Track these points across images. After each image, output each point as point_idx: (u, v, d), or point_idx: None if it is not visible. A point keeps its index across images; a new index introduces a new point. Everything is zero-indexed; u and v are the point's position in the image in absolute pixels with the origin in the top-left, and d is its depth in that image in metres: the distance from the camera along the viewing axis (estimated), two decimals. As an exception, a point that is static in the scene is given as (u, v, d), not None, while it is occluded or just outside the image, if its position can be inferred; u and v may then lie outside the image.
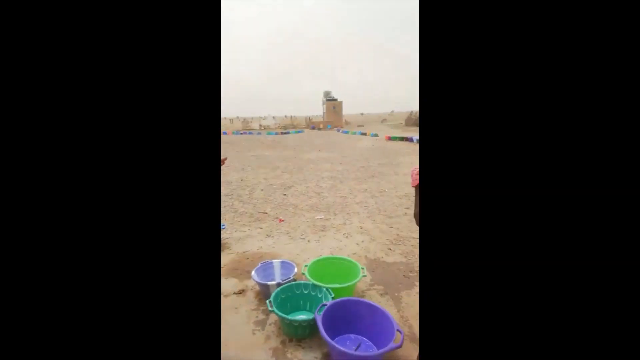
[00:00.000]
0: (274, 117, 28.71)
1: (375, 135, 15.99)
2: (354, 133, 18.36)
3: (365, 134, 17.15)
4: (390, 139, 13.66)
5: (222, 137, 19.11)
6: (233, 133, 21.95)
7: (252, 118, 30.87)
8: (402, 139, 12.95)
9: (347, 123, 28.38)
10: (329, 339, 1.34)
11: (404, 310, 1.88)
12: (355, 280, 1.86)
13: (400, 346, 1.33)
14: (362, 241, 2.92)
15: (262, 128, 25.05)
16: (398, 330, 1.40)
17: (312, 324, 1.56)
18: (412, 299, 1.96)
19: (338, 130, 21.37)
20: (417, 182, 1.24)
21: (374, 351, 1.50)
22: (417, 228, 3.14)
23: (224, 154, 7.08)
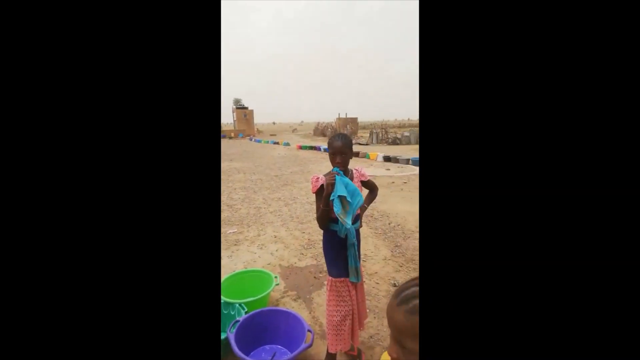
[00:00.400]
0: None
1: (288, 144, 16.33)
2: (267, 142, 18.31)
3: (277, 143, 17.31)
4: (301, 147, 14.21)
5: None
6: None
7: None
8: (312, 147, 13.65)
9: (259, 132, 28.04)
10: (242, 355, 1.33)
11: (315, 310, 2.00)
12: (268, 291, 1.88)
13: (310, 345, 1.43)
14: (277, 250, 2.96)
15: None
16: (309, 330, 1.50)
17: (225, 343, 1.51)
18: (321, 298, 2.11)
19: (250, 139, 20.90)
20: (316, 188, 1.37)
21: (288, 356, 1.56)
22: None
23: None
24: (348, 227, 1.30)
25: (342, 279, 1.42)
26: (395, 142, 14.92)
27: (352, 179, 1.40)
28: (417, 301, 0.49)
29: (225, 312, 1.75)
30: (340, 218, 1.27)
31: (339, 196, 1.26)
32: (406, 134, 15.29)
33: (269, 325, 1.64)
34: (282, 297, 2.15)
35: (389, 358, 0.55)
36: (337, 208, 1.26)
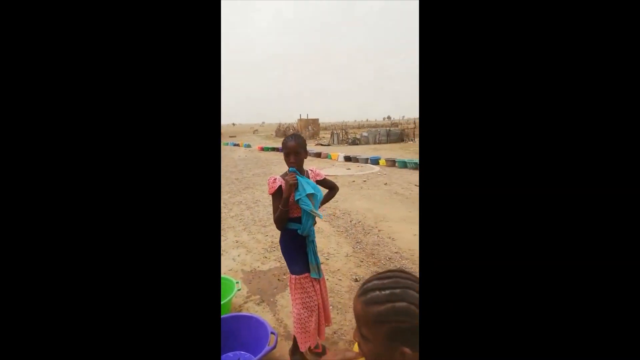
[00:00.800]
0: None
1: (249, 146, 15.93)
2: (227, 144, 17.66)
3: (238, 145, 16.80)
4: (263, 149, 13.95)
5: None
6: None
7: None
8: (274, 149, 13.47)
9: (218, 134, 26.86)
10: (202, 367, 1.28)
11: (279, 312, 1.99)
12: (229, 298, 1.83)
13: (274, 347, 1.43)
14: (238, 255, 2.88)
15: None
16: (272, 332, 1.49)
17: (183, 357, 1.43)
18: (286, 299, 2.11)
19: (209, 142, 19.94)
20: (273, 189, 1.37)
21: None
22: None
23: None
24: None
25: (305, 274, 1.44)
26: (355, 142, 15.39)
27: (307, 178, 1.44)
28: (373, 294, 0.53)
29: (183, 323, 1.67)
30: (315, 213, 1.33)
31: (308, 194, 1.31)
32: (365, 134, 15.85)
33: (232, 332, 1.60)
34: (245, 302, 2.11)
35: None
36: (307, 205, 1.31)
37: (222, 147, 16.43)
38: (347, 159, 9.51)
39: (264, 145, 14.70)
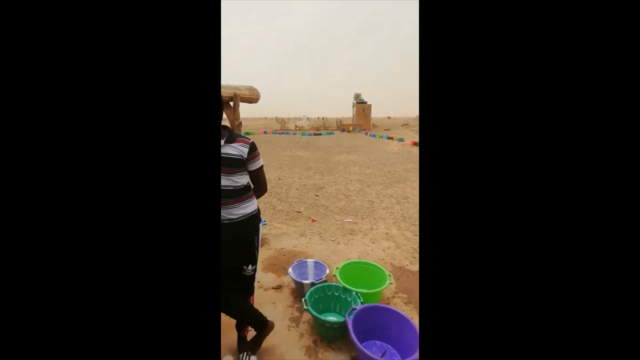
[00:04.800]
0: (308, 119, 28.91)
1: (402, 139, 15.53)
2: (381, 137, 17.98)
3: (391, 138, 16.73)
4: (416, 144, 13.21)
5: (263, 136, 19.65)
6: (272, 133, 22.47)
7: (289, 119, 31.35)
8: (428, 145, 12.42)
9: (374, 126, 27.87)
10: (358, 344, 1.37)
11: (428, 321, 1.84)
12: (383, 287, 1.86)
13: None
14: (388, 247, 2.89)
15: (297, 129, 25.46)
16: (423, 343, 1.39)
17: (342, 326, 1.60)
18: (436, 311, 1.92)
19: (366, 134, 21.04)
20: None
21: (399, 360, 1.50)
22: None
23: (263, 152, 7.15)
24: None
25: None
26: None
27: None
28: None
29: (343, 296, 1.85)
30: None
31: None
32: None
33: (381, 322, 1.62)
34: (393, 297, 2.09)
35: None
36: None
37: (377, 139, 16.90)
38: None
39: (417, 140, 13.89)
